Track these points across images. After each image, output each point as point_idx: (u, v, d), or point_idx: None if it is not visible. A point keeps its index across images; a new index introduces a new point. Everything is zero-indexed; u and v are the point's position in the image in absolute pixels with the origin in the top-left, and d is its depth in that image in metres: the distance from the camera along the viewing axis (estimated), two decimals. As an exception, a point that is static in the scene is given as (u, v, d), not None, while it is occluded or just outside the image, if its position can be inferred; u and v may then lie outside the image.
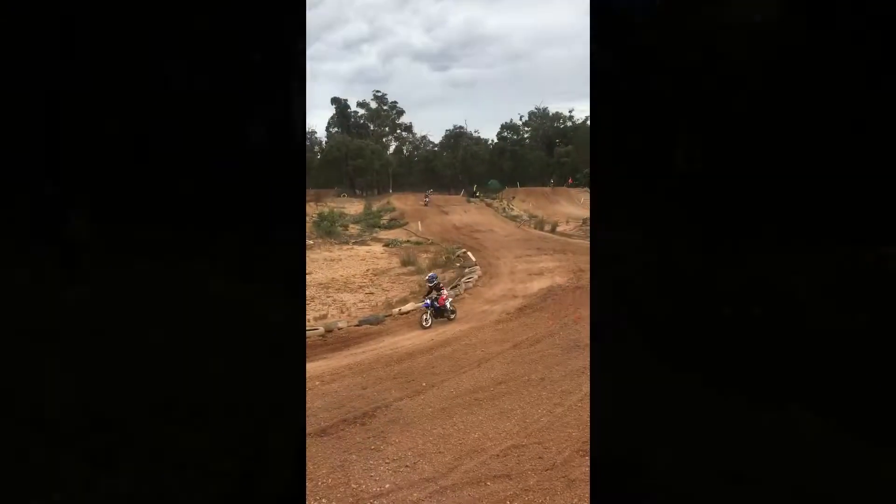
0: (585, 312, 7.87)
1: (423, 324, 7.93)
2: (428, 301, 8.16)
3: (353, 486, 3.63)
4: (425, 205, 28.40)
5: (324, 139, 42.99)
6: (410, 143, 47.98)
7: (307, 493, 3.44)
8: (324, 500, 3.46)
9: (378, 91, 47.59)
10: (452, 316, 8.24)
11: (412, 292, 10.39)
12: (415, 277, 11.81)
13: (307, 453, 3.50)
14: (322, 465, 3.90)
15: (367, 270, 13.26)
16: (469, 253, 14.44)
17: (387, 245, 17.57)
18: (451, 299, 8.51)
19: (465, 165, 44.42)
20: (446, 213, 24.66)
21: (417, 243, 17.72)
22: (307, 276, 11.08)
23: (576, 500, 3.33)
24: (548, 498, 3.37)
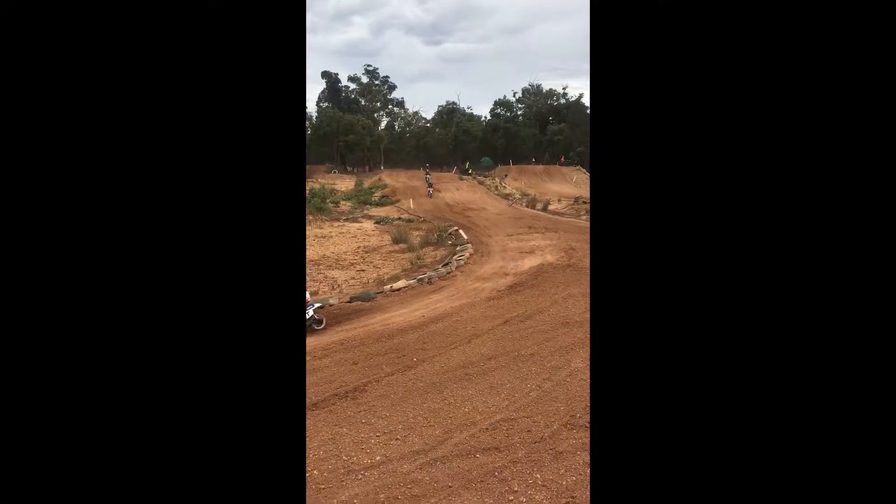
0: (575, 290, 7.93)
1: None
2: None
3: (344, 458, 3.69)
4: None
5: (314, 114, 42.29)
6: (402, 119, 47.41)
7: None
8: (315, 472, 3.51)
9: (369, 65, 46.84)
10: (318, 326, 6.81)
11: (404, 270, 10.40)
12: (406, 255, 11.80)
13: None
14: (313, 438, 3.94)
15: (359, 247, 13.21)
16: (461, 231, 14.43)
17: (378, 222, 17.49)
18: (315, 305, 7.03)
19: (457, 142, 44.04)
20: (438, 191, 24.50)
21: (409, 221, 17.66)
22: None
23: (562, 471, 3.41)
24: (535, 469, 3.45)
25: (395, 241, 13.40)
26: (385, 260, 11.63)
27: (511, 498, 3.19)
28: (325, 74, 42.87)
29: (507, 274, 9.43)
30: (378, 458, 3.67)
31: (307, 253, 12.13)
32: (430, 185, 24.32)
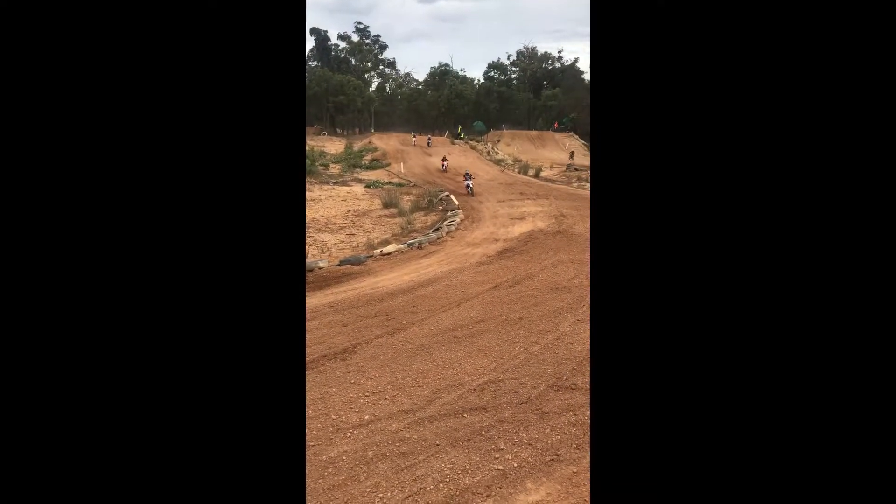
0: (565, 256, 7.96)
1: None
2: None
3: (333, 417, 3.73)
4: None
5: (303, 73, 41.06)
6: (394, 80, 46.24)
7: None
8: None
9: (360, 23, 45.24)
10: None
11: (394, 234, 10.34)
12: (397, 220, 11.72)
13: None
14: (303, 397, 3.98)
15: (349, 211, 13.08)
16: (452, 196, 14.32)
17: (368, 186, 17.28)
18: None
19: (450, 105, 43.15)
20: (429, 155, 24.20)
21: (399, 185, 17.47)
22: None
23: (548, 431, 3.49)
24: (521, 428, 3.52)
25: (386, 205, 13.27)
26: (375, 224, 11.54)
27: (497, 456, 3.26)
28: (314, 32, 41.38)
29: (497, 240, 9.42)
30: (367, 417, 3.73)
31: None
32: (445, 160, 21.46)
